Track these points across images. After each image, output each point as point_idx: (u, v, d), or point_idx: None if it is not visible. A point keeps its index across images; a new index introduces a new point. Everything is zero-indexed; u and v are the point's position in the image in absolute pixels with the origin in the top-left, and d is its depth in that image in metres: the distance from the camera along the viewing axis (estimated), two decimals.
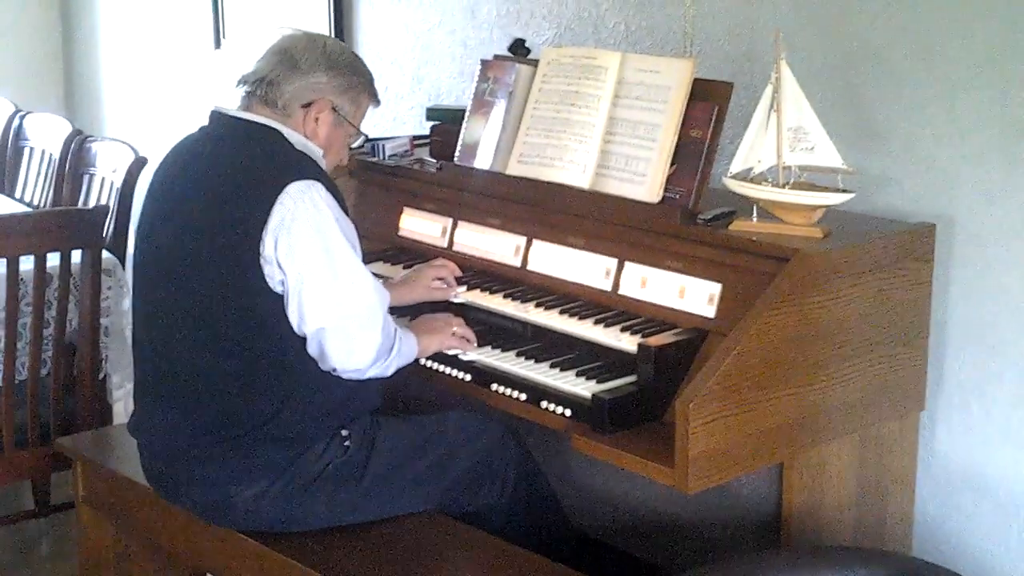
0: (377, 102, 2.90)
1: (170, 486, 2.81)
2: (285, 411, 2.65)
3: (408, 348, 2.76)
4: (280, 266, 2.59)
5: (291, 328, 2.63)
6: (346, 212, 2.69)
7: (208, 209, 2.65)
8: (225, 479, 2.68)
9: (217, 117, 2.78)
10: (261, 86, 2.73)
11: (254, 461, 2.66)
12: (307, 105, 2.74)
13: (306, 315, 2.61)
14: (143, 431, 2.85)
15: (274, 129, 2.71)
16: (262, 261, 2.58)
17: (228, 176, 2.66)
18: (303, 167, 2.65)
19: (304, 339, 2.64)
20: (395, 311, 2.82)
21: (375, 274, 2.79)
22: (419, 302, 3.06)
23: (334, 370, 2.66)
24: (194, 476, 2.72)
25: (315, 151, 2.76)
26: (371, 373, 2.69)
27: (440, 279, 3.07)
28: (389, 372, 2.73)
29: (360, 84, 2.82)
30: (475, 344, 2.88)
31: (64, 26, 6.35)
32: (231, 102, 2.80)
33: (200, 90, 5.39)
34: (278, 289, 2.61)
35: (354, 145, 2.94)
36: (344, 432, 2.72)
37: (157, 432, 2.80)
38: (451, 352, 2.86)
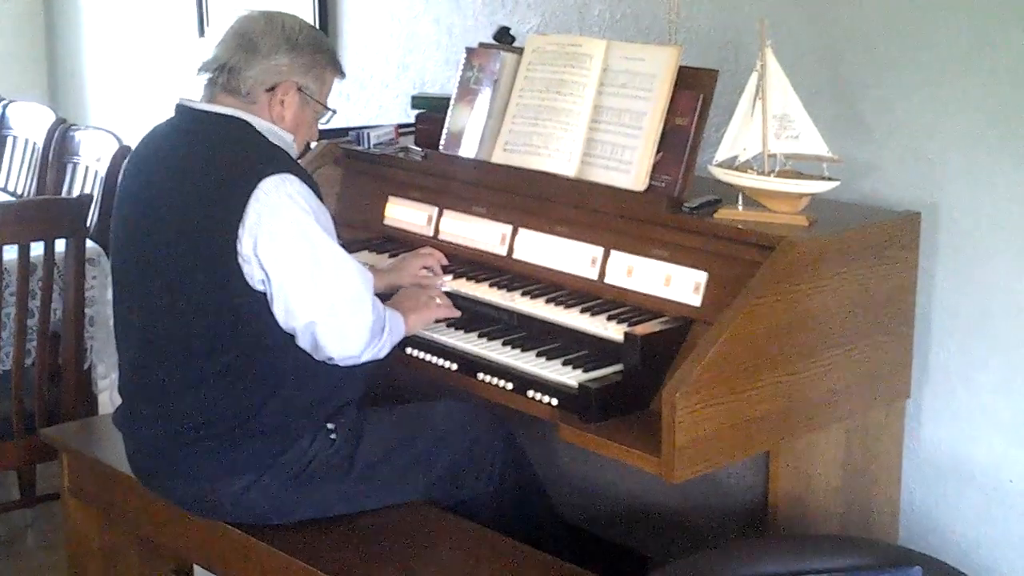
0: (342, 75, 2.87)
1: (156, 479, 2.80)
2: (269, 406, 2.64)
3: (397, 326, 2.76)
4: (261, 264, 2.57)
5: (274, 323, 2.61)
6: (321, 200, 2.67)
7: (182, 209, 2.63)
8: (210, 473, 2.67)
9: (184, 111, 2.75)
10: (223, 74, 2.70)
11: (239, 455, 2.65)
12: (271, 89, 2.72)
13: (294, 310, 2.60)
14: (127, 424, 2.84)
15: (242, 120, 2.69)
16: (240, 260, 2.56)
17: (200, 175, 2.64)
18: (274, 160, 2.63)
19: (287, 334, 2.63)
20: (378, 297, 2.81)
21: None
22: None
23: (330, 359, 2.65)
24: (179, 470, 2.71)
25: (284, 136, 2.74)
26: (367, 356, 2.69)
27: (426, 268, 3.06)
28: (383, 353, 2.72)
29: (323, 60, 2.79)
30: (459, 315, 2.87)
31: (47, 14, 6.32)
32: (195, 92, 2.77)
33: (183, 80, 5.36)
34: (259, 287, 2.59)
35: (323, 121, 2.91)
36: (330, 425, 2.71)
37: (141, 426, 2.79)
38: (443, 336, 2.84)
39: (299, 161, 2.79)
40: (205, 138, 2.69)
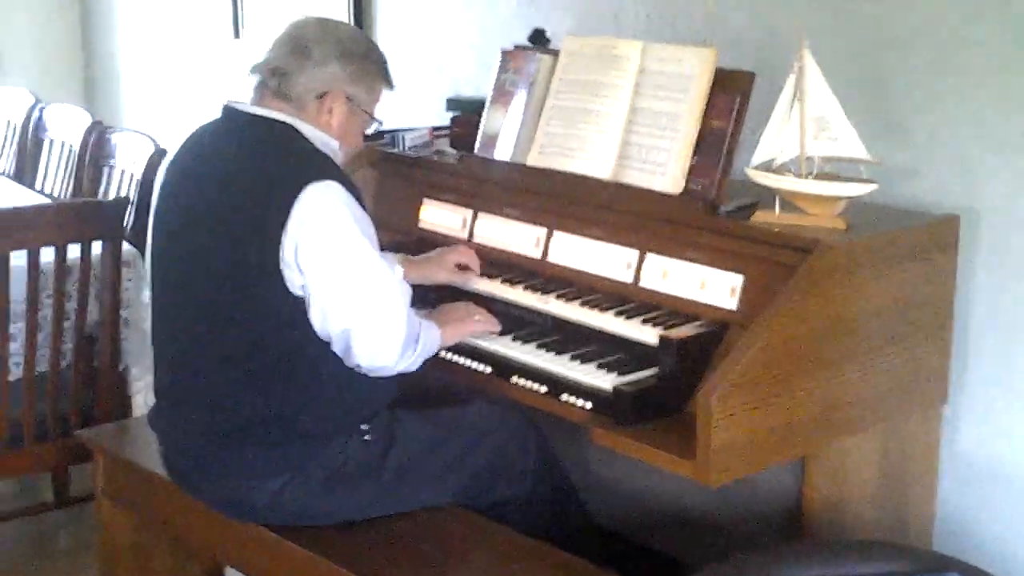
0: (392, 86, 2.88)
1: (190, 480, 2.81)
2: (305, 410, 2.65)
3: (432, 339, 2.75)
4: (301, 270, 2.57)
5: (312, 329, 2.61)
6: (364, 208, 2.67)
7: (226, 212, 2.63)
8: (245, 474, 2.68)
9: (231, 112, 2.76)
10: (273, 78, 2.71)
11: (274, 457, 2.66)
12: (321, 96, 2.73)
13: (330, 316, 2.60)
14: (162, 425, 2.85)
15: (289, 125, 2.69)
16: (282, 266, 2.56)
17: (245, 179, 2.64)
18: (320, 167, 2.63)
19: (324, 340, 2.63)
20: (415, 302, 2.80)
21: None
22: (438, 284, 3.05)
23: (358, 367, 2.65)
24: (214, 471, 2.72)
25: (330, 143, 2.74)
26: (400, 368, 2.68)
27: (460, 266, 3.06)
28: (415, 366, 2.72)
29: (374, 71, 2.80)
30: (499, 329, 2.86)
31: (83, 18, 6.36)
32: (243, 94, 2.78)
33: (219, 82, 5.38)
34: (298, 292, 2.59)
35: (369, 131, 2.92)
36: (364, 427, 2.71)
37: (176, 427, 2.79)
38: (476, 340, 2.84)
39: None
40: (252, 141, 2.69)
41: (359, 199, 2.66)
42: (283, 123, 2.70)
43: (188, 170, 2.76)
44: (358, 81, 2.77)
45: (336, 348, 2.64)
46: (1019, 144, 2.75)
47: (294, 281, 2.58)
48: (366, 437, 2.70)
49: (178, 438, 2.80)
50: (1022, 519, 2.87)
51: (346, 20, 4.43)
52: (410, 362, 2.69)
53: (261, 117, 2.71)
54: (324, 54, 2.72)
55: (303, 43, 2.73)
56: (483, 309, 2.91)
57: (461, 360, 2.83)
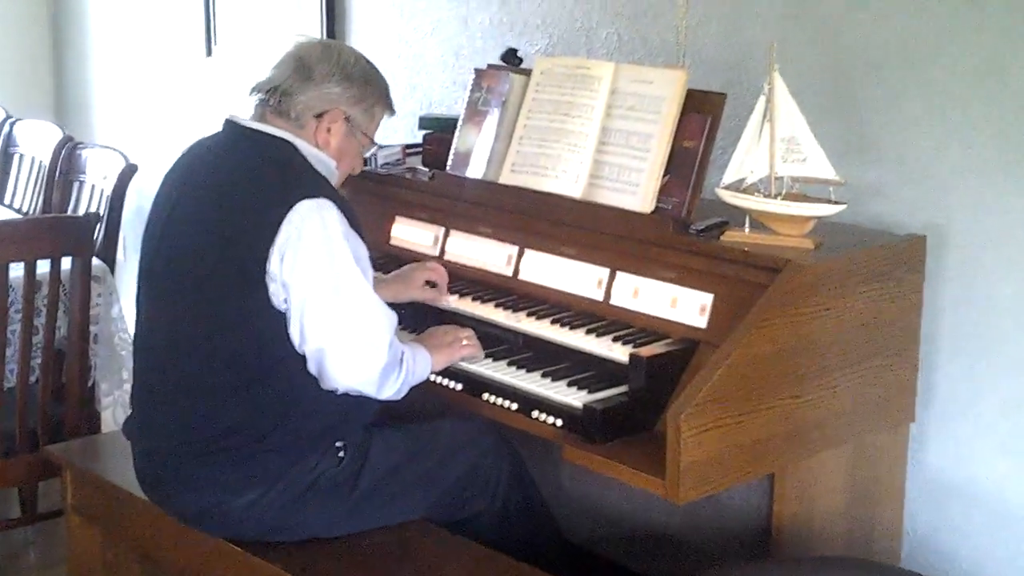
0: (392, 112, 2.90)
1: (162, 491, 2.80)
2: (283, 426, 2.65)
3: (422, 366, 2.75)
4: (284, 285, 2.58)
5: (292, 346, 2.62)
6: (359, 230, 2.68)
7: (218, 223, 2.64)
8: (219, 487, 2.67)
9: (231, 127, 2.77)
10: (275, 95, 2.73)
11: (248, 470, 2.65)
12: (320, 115, 2.74)
13: (307, 334, 2.60)
14: (138, 434, 2.84)
15: (287, 142, 2.71)
16: (267, 279, 2.57)
17: (239, 191, 2.65)
18: (314, 185, 2.65)
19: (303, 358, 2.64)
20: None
21: None
22: (407, 301, 3.05)
23: (336, 390, 2.65)
24: (187, 483, 2.71)
25: (327, 163, 2.75)
26: (386, 395, 2.68)
27: (429, 282, 3.07)
28: (402, 393, 2.71)
29: (374, 95, 2.82)
30: (483, 355, 2.86)
31: (54, 32, 6.34)
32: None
33: (191, 98, 5.38)
34: (281, 307, 2.60)
35: (367, 155, 2.94)
36: (339, 444, 2.71)
37: (152, 436, 2.79)
38: (462, 362, 2.84)
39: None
40: (249, 155, 2.71)
41: (353, 221, 2.66)
42: (282, 139, 2.71)
43: (184, 179, 2.77)
44: (358, 103, 2.78)
45: (310, 367, 2.64)
46: (986, 165, 2.78)
47: (278, 295, 2.59)
48: (340, 454, 2.71)
49: (151, 447, 2.80)
50: (988, 536, 2.90)
51: (319, 37, 4.44)
52: (396, 388, 2.68)
53: (260, 132, 2.72)
54: (325, 74, 2.73)
55: (306, 63, 2.74)
56: (471, 332, 2.90)
57: (433, 377, 2.83)
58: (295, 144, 2.72)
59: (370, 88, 2.81)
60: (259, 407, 2.64)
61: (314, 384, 2.65)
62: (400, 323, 2.78)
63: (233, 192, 2.66)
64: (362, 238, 2.69)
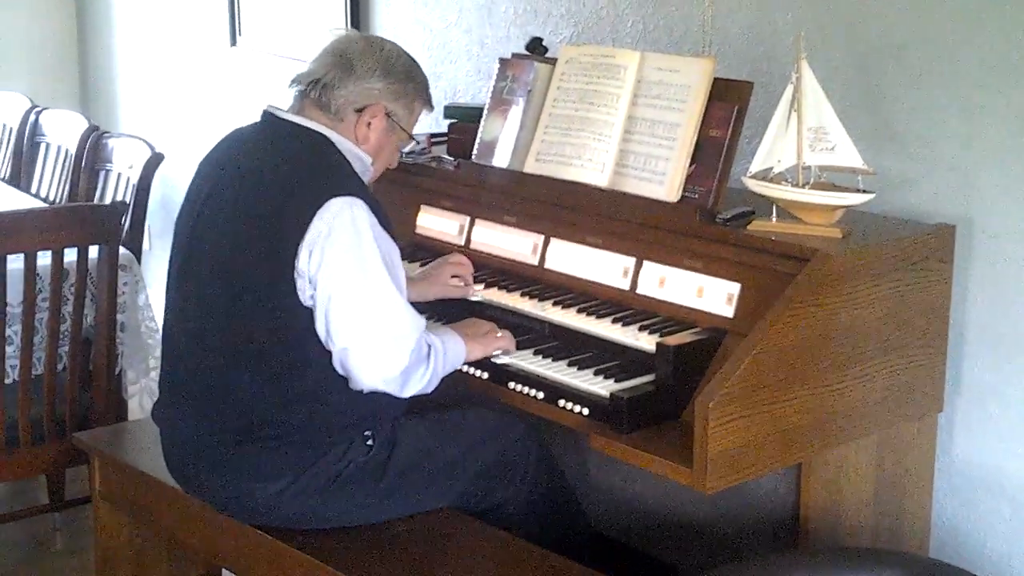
0: (431, 108, 2.90)
1: (191, 478, 2.82)
2: (313, 421, 2.66)
3: (455, 355, 2.74)
4: (311, 281, 2.58)
5: (320, 341, 2.62)
6: (389, 230, 2.67)
7: (249, 215, 2.65)
8: (247, 475, 2.68)
9: (269, 118, 2.77)
10: (315, 88, 2.72)
11: (276, 459, 2.66)
12: (360, 110, 2.74)
13: (332, 333, 2.60)
14: (167, 422, 2.85)
15: (324, 136, 2.71)
16: (296, 275, 2.57)
17: (273, 184, 2.65)
18: (347, 183, 2.64)
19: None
20: (421, 307, 2.80)
21: None
22: (436, 299, 3.05)
23: (361, 390, 2.65)
24: (216, 471, 2.72)
25: (364, 158, 2.75)
26: (410, 393, 2.68)
27: (456, 277, 3.07)
28: (432, 387, 2.71)
29: (415, 91, 2.82)
30: (515, 347, 2.85)
31: (80, 22, 6.36)
32: (277, 101, 2.79)
33: (216, 87, 5.39)
34: (308, 303, 2.60)
35: (405, 150, 2.93)
36: (367, 433, 2.71)
37: (181, 424, 2.80)
38: (497, 355, 2.83)
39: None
40: (285, 148, 2.71)
41: (384, 220, 2.66)
42: (318, 134, 2.71)
43: (219, 170, 2.78)
44: (398, 98, 2.78)
45: (336, 366, 2.64)
46: (1015, 152, 2.76)
47: (305, 291, 2.59)
48: (368, 443, 2.71)
49: (181, 434, 2.81)
50: (1018, 527, 2.89)
51: (343, 27, 4.44)
52: (423, 385, 2.68)
53: (297, 125, 2.72)
54: (368, 68, 2.73)
55: (347, 57, 2.74)
56: (507, 332, 2.87)
57: (460, 366, 2.83)
58: (332, 139, 2.71)
59: (412, 84, 2.80)
60: (288, 401, 2.64)
61: (343, 379, 2.65)
62: (429, 315, 2.78)
63: (266, 186, 2.66)
64: (392, 237, 2.68)
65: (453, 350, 2.74)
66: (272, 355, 2.63)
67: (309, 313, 2.60)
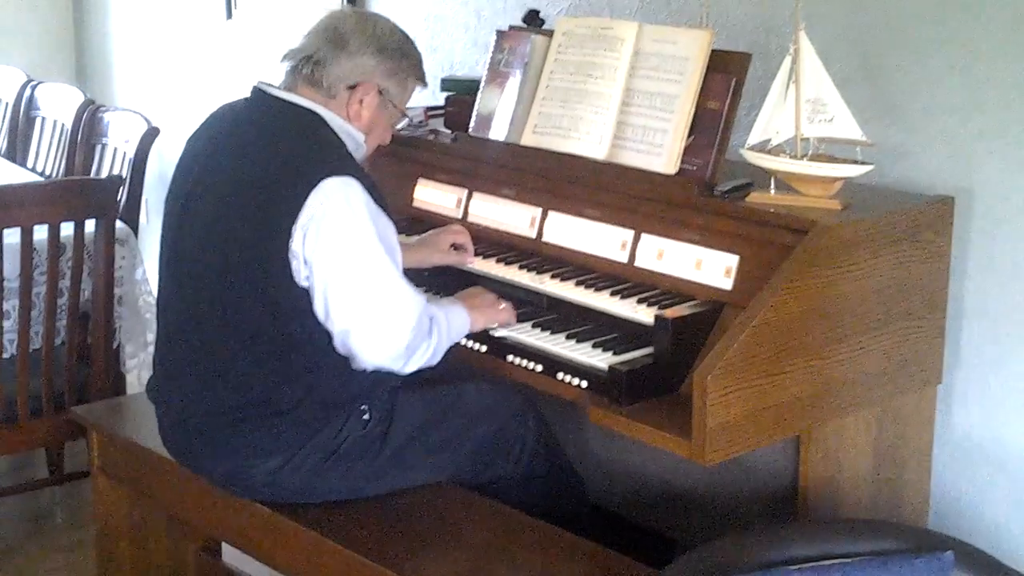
0: (424, 84, 2.87)
1: (188, 455, 2.81)
2: (309, 399, 2.65)
3: (458, 326, 2.74)
4: (307, 262, 2.57)
5: (315, 321, 2.61)
6: (384, 208, 2.65)
7: (241, 194, 2.63)
8: (244, 451, 2.68)
9: (260, 95, 2.75)
10: (307, 64, 2.70)
11: (272, 436, 2.66)
12: (353, 87, 2.72)
13: (332, 314, 2.59)
14: (162, 398, 2.85)
15: (316, 114, 2.69)
16: (290, 255, 2.56)
17: (264, 163, 2.63)
18: (340, 162, 2.62)
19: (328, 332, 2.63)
20: (419, 280, 2.78)
21: None
22: (434, 266, 3.05)
23: (364, 370, 2.65)
24: (213, 447, 2.72)
25: (356, 136, 2.73)
26: (412, 368, 2.67)
27: (454, 245, 3.06)
28: (436, 360, 2.70)
29: (408, 67, 2.80)
30: (515, 320, 2.85)
31: None
32: (268, 76, 2.77)
33: (212, 61, 5.37)
34: (303, 284, 2.59)
35: (399, 127, 2.91)
36: (363, 408, 2.71)
37: (177, 401, 2.79)
38: (494, 328, 2.83)
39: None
40: (276, 127, 2.69)
41: (379, 199, 2.64)
42: (310, 111, 2.69)
43: (209, 147, 2.76)
44: (392, 75, 2.76)
45: (337, 347, 2.63)
46: (1015, 125, 2.76)
47: (299, 271, 2.57)
48: (365, 416, 2.71)
49: (177, 412, 2.80)
50: (1016, 498, 2.89)
51: (350, 7, 4.42)
52: (426, 359, 2.67)
53: (288, 103, 2.70)
54: (360, 45, 2.71)
55: (340, 33, 2.71)
56: (510, 304, 2.86)
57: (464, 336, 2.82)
58: (324, 116, 2.69)
59: (405, 60, 2.78)
60: (284, 380, 2.64)
61: (336, 358, 2.65)
62: (426, 287, 2.77)
63: (258, 165, 2.63)
64: (388, 216, 2.67)
65: (457, 321, 2.74)
66: (266, 333, 2.62)
67: (304, 292, 2.59)
